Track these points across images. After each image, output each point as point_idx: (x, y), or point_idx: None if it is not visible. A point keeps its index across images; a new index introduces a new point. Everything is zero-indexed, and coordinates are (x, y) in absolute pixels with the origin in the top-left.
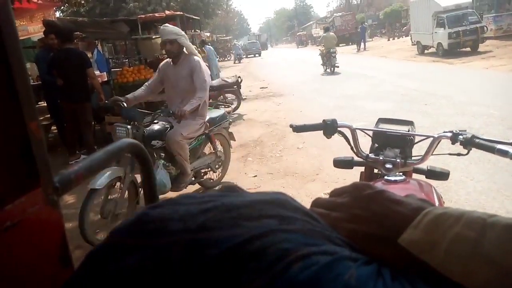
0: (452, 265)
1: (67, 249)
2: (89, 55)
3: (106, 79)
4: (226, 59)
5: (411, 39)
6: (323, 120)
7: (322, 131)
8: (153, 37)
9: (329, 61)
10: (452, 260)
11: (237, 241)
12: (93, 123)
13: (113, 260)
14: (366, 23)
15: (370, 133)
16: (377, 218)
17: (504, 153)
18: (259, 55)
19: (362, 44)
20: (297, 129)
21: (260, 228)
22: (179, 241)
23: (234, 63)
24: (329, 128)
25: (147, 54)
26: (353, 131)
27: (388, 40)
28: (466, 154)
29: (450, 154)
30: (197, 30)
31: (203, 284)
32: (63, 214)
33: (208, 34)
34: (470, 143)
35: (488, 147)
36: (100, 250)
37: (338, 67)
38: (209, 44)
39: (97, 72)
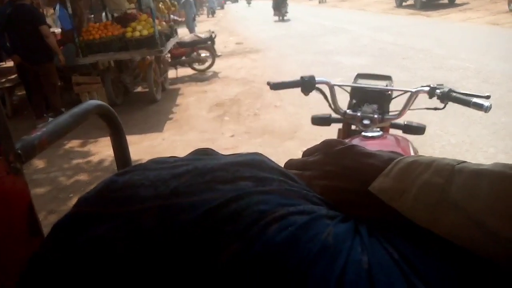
0: (420, 212)
1: (34, 218)
2: (51, 11)
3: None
4: (198, 13)
5: None
6: (301, 76)
7: (300, 88)
8: None
9: (279, 10)
10: (420, 206)
11: (212, 205)
12: (59, 84)
13: (81, 231)
14: None
15: (349, 89)
16: (349, 172)
17: (479, 106)
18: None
19: None
20: (275, 86)
21: (236, 190)
22: (151, 208)
23: (208, 17)
24: (307, 84)
25: (113, 8)
26: (331, 87)
27: None
28: (443, 108)
29: (427, 108)
30: None
31: (177, 252)
32: (34, 179)
33: None
34: (447, 97)
35: (464, 100)
36: (67, 221)
37: (288, 13)
38: None
39: (58, 30)
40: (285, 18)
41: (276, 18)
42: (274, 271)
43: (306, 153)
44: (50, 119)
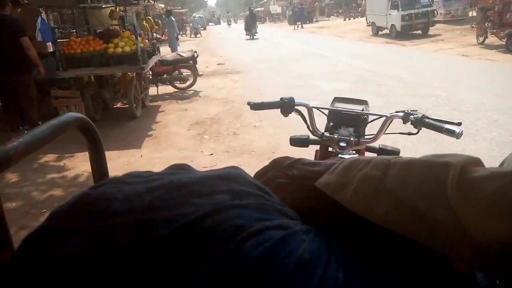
0: (359, 202)
1: (5, 231)
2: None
3: (51, 49)
4: (181, 33)
5: (366, 20)
6: (281, 98)
7: (279, 109)
8: (103, 6)
9: (249, 30)
10: (359, 197)
11: (187, 220)
12: (37, 96)
13: (52, 245)
14: (323, 3)
15: (326, 111)
16: (297, 181)
17: (451, 133)
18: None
19: (299, 24)
20: (255, 106)
21: (212, 204)
22: (124, 223)
23: (190, 37)
24: (286, 106)
25: (96, 24)
26: (309, 109)
27: (344, 20)
28: (416, 133)
29: (401, 133)
30: (150, 0)
31: (150, 268)
32: (5, 193)
33: (162, 5)
34: (421, 122)
35: (437, 126)
36: (38, 234)
37: (257, 33)
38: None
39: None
40: (254, 37)
41: (248, 37)
42: (249, 287)
43: (257, 175)
44: (26, 132)
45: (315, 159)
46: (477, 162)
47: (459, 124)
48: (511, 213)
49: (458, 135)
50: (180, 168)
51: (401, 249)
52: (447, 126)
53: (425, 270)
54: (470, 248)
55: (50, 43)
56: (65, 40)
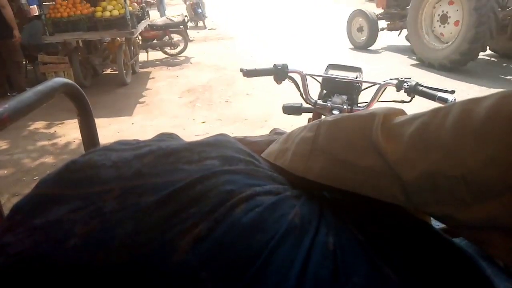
0: (297, 163)
1: None
2: None
3: (36, 13)
4: None
5: None
6: (274, 64)
7: (272, 77)
8: None
9: (196, 14)
10: (297, 158)
11: (176, 187)
12: (24, 62)
13: (39, 213)
14: None
15: (320, 79)
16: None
17: (444, 101)
18: None
19: None
20: (248, 73)
21: (202, 171)
22: (112, 190)
23: None
24: (279, 73)
25: None
26: (303, 76)
27: None
28: (409, 101)
29: (394, 101)
30: None
31: (139, 235)
32: None
33: None
34: (414, 90)
35: (430, 94)
36: (25, 203)
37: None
38: None
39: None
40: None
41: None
42: (238, 253)
43: None
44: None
45: None
46: (400, 111)
47: (452, 92)
48: (434, 144)
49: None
50: (169, 137)
51: (392, 218)
52: (440, 94)
53: (417, 239)
54: (400, 188)
55: (35, 6)
56: (51, 3)
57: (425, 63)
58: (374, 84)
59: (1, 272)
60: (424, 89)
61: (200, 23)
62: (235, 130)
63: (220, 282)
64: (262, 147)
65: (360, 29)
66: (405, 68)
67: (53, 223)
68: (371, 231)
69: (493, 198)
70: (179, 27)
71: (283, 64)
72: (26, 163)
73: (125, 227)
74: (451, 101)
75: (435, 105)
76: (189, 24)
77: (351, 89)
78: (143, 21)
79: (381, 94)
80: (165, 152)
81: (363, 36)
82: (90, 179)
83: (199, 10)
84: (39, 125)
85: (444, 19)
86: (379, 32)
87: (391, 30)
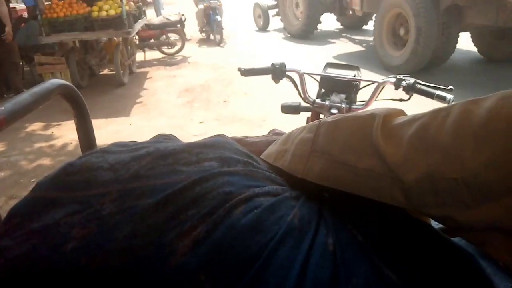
0: (296, 164)
1: None
2: None
3: (25, 14)
4: None
5: None
6: (272, 63)
7: (270, 76)
8: None
9: (209, 25)
10: (296, 159)
11: (175, 189)
12: (21, 63)
13: (37, 216)
14: None
15: (318, 78)
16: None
17: (442, 99)
18: None
19: None
20: (245, 72)
21: (200, 172)
22: (109, 193)
23: None
24: (277, 72)
25: None
26: (301, 75)
27: None
28: (408, 99)
29: (392, 99)
30: None
31: (137, 238)
32: None
33: None
34: (412, 88)
35: (429, 92)
36: (22, 206)
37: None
38: None
39: (21, 5)
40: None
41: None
42: (237, 255)
43: None
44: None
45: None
46: (400, 112)
47: (450, 90)
48: (434, 146)
49: (449, 102)
50: (166, 138)
51: (390, 218)
52: (438, 92)
53: (416, 240)
54: (400, 190)
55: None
56: (47, 3)
57: (290, 36)
58: (373, 82)
59: None
60: (423, 87)
61: (212, 36)
62: (234, 130)
63: (219, 285)
64: (261, 148)
65: (259, 16)
66: (278, 40)
67: (50, 227)
68: (371, 231)
69: (493, 200)
70: (176, 26)
71: (281, 63)
72: (23, 165)
73: (122, 230)
74: (449, 99)
75: (434, 103)
76: (200, 35)
77: (349, 88)
78: (139, 20)
79: (379, 92)
80: (163, 154)
81: (262, 21)
82: (87, 181)
83: (217, 18)
84: (36, 126)
85: (297, 5)
86: (270, 18)
87: (279, 16)
